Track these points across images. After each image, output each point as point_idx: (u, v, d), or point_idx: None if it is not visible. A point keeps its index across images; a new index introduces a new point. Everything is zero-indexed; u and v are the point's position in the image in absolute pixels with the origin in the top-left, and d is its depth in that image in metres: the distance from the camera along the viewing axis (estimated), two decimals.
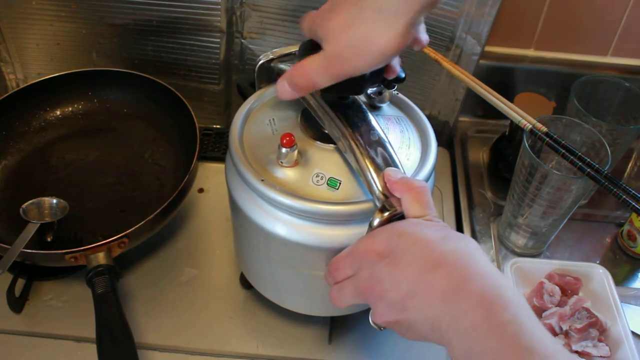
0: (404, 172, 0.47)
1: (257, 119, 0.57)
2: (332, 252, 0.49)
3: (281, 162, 0.51)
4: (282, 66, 0.55)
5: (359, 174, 0.49)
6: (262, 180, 0.49)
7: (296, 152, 0.51)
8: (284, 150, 0.50)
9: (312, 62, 0.44)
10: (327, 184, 0.51)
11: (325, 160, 0.52)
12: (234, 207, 0.55)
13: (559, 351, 0.35)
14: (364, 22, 0.41)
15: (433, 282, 0.38)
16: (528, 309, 0.37)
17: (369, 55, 0.43)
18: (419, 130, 0.57)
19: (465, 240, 0.41)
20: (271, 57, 0.56)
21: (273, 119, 0.56)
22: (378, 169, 0.47)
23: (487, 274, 0.38)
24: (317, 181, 0.51)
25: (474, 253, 0.40)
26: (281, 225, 0.51)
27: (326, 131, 0.53)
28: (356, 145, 0.48)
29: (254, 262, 0.60)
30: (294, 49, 0.55)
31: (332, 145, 0.53)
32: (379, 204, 0.46)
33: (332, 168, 0.52)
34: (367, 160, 0.47)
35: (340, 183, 0.51)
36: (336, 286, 0.46)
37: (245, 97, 0.59)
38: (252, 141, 0.54)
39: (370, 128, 0.50)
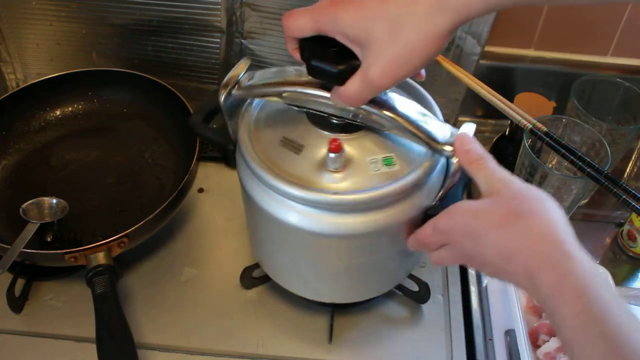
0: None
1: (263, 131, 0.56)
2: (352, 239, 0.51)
3: (332, 168, 0.51)
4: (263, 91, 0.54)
5: (414, 139, 0.50)
6: (335, 193, 0.49)
7: (344, 154, 0.51)
8: (332, 155, 0.50)
9: (355, 87, 0.44)
10: (384, 164, 0.51)
11: (361, 149, 0.52)
12: (259, 209, 0.54)
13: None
14: (412, 28, 0.40)
15: (514, 269, 0.40)
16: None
17: (413, 65, 0.42)
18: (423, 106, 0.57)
19: (538, 210, 0.41)
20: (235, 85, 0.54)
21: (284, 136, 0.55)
22: (430, 128, 0.50)
23: (558, 259, 0.38)
24: (375, 167, 0.51)
25: (548, 225, 0.40)
26: (299, 216, 0.51)
27: (334, 121, 0.53)
28: (404, 119, 0.49)
29: (271, 251, 0.61)
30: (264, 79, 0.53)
31: (347, 134, 0.53)
32: (448, 151, 0.49)
33: (373, 150, 0.52)
34: (419, 124, 0.49)
35: (394, 157, 0.52)
36: (434, 254, 0.49)
37: (201, 135, 0.58)
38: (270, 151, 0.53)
39: (398, 102, 0.51)
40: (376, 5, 0.41)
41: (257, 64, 0.83)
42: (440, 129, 0.51)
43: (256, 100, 0.57)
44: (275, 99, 0.52)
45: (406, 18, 0.40)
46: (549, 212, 0.40)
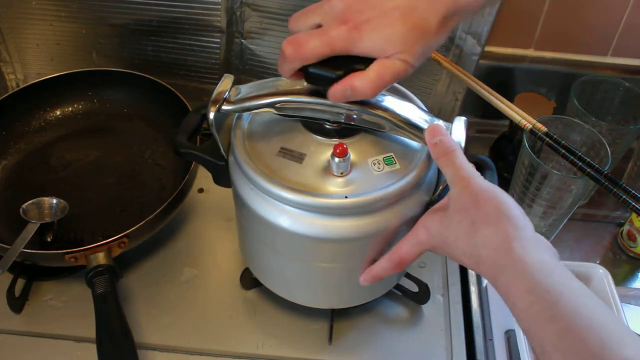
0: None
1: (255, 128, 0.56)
2: (341, 244, 0.52)
3: (337, 173, 0.51)
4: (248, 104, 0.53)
5: (411, 137, 0.52)
6: (346, 196, 0.50)
7: (350, 158, 0.51)
8: (338, 160, 0.50)
9: (387, 73, 0.45)
10: (386, 163, 0.52)
11: (361, 151, 0.53)
12: (245, 207, 0.54)
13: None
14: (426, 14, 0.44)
15: (482, 272, 0.45)
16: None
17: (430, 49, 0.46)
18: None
19: (492, 217, 0.44)
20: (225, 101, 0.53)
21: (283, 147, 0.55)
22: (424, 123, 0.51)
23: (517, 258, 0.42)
24: (379, 167, 0.52)
25: (499, 234, 0.43)
26: (291, 219, 0.51)
27: (328, 127, 0.53)
28: (400, 118, 0.51)
29: (264, 259, 0.61)
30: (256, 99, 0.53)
31: (346, 138, 0.53)
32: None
33: (373, 151, 0.53)
34: (413, 122, 0.51)
35: (393, 157, 0.53)
36: None
37: (188, 155, 0.58)
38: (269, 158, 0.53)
39: (392, 102, 0.52)
40: (396, 19, 0.44)
41: (257, 64, 0.83)
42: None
43: (245, 114, 0.56)
44: (267, 110, 0.52)
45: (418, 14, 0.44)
46: (502, 219, 0.43)
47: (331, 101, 0.48)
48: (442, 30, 0.45)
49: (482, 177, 0.46)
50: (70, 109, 0.83)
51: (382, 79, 0.45)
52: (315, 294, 0.62)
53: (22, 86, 0.80)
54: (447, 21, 0.45)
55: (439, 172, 0.56)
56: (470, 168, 0.47)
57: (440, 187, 0.54)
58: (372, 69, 0.45)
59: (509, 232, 0.42)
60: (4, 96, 0.77)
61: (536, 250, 0.42)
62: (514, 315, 0.41)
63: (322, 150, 0.53)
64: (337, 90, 0.46)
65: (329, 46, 0.45)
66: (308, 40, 0.45)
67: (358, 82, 0.45)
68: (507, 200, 0.45)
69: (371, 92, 0.46)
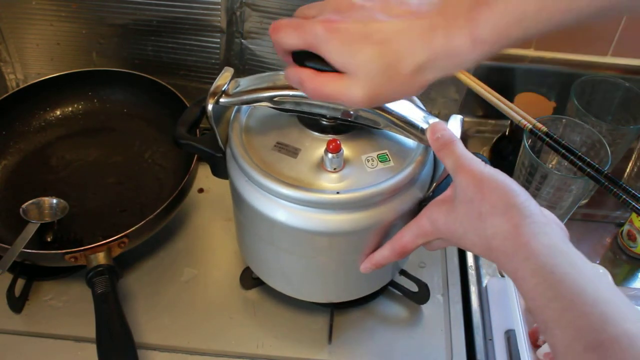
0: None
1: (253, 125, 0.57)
2: (337, 237, 0.52)
3: (330, 169, 0.51)
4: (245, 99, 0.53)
5: (406, 134, 0.52)
6: (337, 192, 0.50)
7: (343, 154, 0.51)
8: (331, 155, 0.50)
9: (348, 88, 0.43)
10: (380, 161, 0.52)
11: (356, 148, 0.53)
12: (245, 205, 0.55)
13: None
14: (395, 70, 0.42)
15: (493, 258, 0.45)
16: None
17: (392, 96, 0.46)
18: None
19: (498, 207, 0.44)
20: (223, 93, 0.54)
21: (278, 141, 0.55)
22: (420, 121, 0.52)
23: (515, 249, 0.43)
24: (372, 164, 0.52)
25: (506, 224, 0.43)
26: (284, 212, 0.51)
27: (324, 122, 0.53)
28: (396, 115, 0.51)
29: (260, 252, 0.61)
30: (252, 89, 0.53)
31: (341, 134, 0.53)
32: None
33: (368, 148, 0.53)
34: (409, 120, 0.51)
35: (387, 154, 0.53)
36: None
37: (187, 146, 0.58)
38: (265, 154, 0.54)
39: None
40: (370, 43, 0.41)
41: (257, 64, 0.83)
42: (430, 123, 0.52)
43: (244, 107, 0.57)
44: (265, 104, 0.52)
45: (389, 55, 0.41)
46: (509, 208, 0.43)
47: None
48: (413, 80, 0.42)
49: (484, 164, 0.46)
50: (70, 109, 0.83)
51: (321, 88, 0.43)
52: (312, 287, 0.63)
53: (22, 86, 0.80)
54: (421, 71, 0.42)
55: (434, 170, 0.56)
56: (471, 156, 0.47)
57: (435, 184, 0.54)
58: (322, 76, 0.43)
59: (516, 221, 0.43)
60: (4, 96, 0.77)
61: (545, 234, 0.42)
62: (521, 295, 0.42)
63: (316, 146, 0.53)
64: (290, 72, 0.45)
65: (299, 37, 0.43)
66: (286, 31, 0.44)
67: (310, 82, 0.44)
68: (512, 187, 0.44)
69: (311, 94, 0.45)
